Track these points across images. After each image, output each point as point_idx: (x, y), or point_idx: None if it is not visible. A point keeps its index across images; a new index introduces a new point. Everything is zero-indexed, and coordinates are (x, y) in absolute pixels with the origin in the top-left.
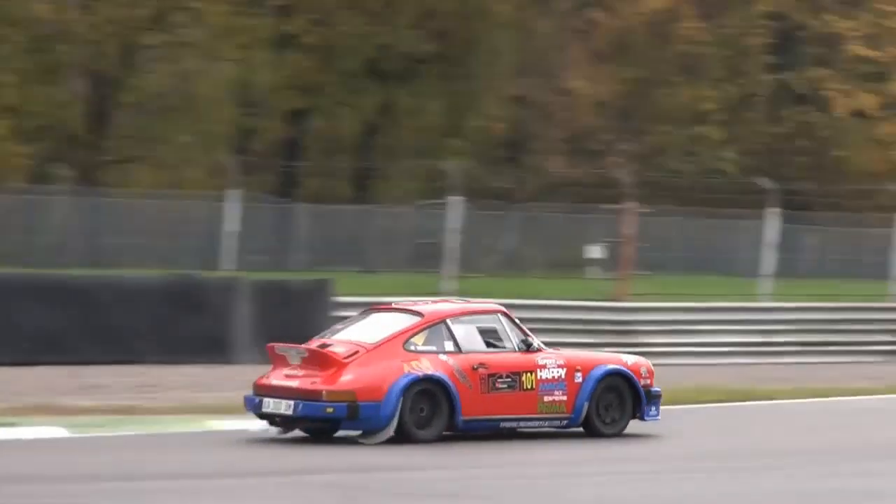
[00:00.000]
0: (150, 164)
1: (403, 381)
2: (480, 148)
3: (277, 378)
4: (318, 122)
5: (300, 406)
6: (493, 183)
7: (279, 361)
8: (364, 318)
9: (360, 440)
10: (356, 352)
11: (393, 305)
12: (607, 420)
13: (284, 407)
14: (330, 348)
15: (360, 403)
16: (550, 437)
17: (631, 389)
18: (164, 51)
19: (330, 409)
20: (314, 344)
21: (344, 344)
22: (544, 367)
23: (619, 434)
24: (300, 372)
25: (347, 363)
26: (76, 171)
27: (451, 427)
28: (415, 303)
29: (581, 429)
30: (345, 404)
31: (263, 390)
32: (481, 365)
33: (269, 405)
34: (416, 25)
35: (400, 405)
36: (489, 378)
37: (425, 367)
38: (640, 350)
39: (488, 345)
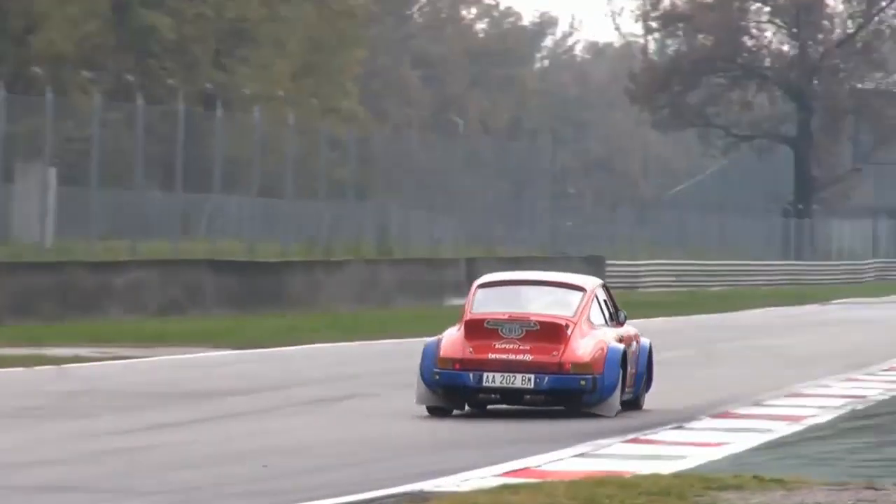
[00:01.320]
0: None
1: (616, 354)
2: None
3: (494, 352)
4: None
5: (545, 379)
6: None
7: (483, 335)
8: (503, 289)
9: (599, 413)
10: (567, 325)
11: (535, 279)
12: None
13: (521, 381)
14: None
15: (597, 375)
16: None
17: (649, 363)
18: None
19: (583, 382)
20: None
21: (550, 317)
22: (634, 339)
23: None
24: (525, 345)
25: (570, 336)
26: None
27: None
28: (553, 275)
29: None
30: (590, 376)
31: (475, 364)
32: (623, 338)
33: (495, 379)
34: None
35: (619, 377)
36: None
37: (613, 339)
38: None
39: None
